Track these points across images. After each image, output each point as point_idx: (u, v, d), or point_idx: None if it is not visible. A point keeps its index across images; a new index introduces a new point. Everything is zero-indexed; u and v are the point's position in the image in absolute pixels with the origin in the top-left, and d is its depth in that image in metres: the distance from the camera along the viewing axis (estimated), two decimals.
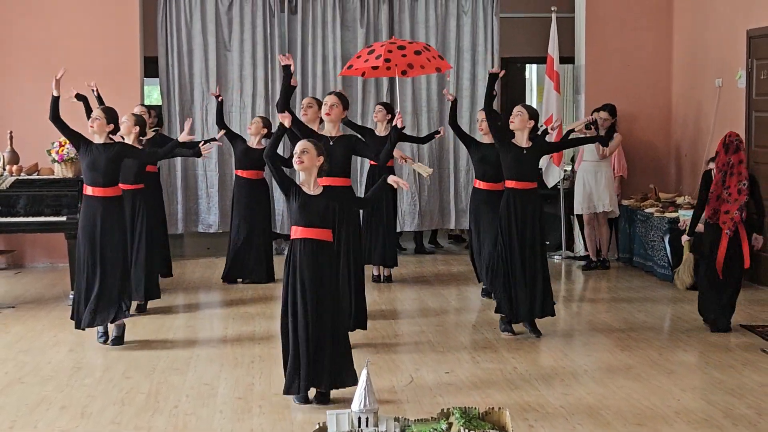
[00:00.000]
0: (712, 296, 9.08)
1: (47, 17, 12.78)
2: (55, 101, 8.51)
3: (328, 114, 8.26)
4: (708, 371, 7.70)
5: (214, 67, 13.31)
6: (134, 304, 9.71)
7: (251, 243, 11.32)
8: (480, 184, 10.18)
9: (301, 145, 6.79)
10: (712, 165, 10.48)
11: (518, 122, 8.66)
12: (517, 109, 8.70)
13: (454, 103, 10.17)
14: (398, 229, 13.18)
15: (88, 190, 8.44)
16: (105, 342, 8.50)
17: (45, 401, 6.97)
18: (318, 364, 6.75)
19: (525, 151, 8.64)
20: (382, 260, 11.37)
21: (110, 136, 8.54)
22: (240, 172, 11.33)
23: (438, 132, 11.34)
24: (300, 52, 13.44)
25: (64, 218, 10.31)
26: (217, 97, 11.25)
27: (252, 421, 6.54)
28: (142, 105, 11.34)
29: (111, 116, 8.55)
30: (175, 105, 13.30)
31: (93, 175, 8.38)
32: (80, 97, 9.94)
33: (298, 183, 6.82)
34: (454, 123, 10.20)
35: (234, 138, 11.32)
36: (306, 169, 6.75)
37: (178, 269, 11.71)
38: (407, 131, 13.24)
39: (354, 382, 6.70)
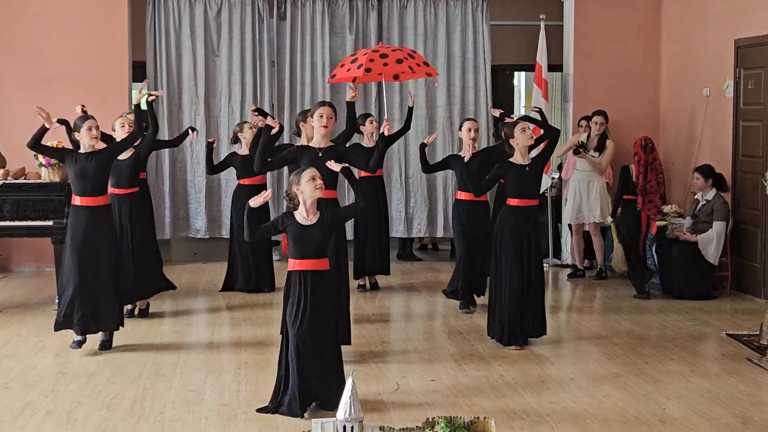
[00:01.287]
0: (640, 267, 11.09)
1: (35, 22, 12.74)
2: (43, 132, 8.34)
3: (325, 126, 8.00)
4: (694, 380, 7.71)
5: (203, 73, 13.29)
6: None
7: (253, 251, 11.17)
8: (462, 195, 10.14)
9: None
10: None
11: (525, 139, 8.61)
12: (524, 125, 8.64)
13: (423, 150, 9.99)
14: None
15: (77, 200, 8.35)
16: (78, 347, 8.43)
17: (30, 407, 6.94)
18: (321, 388, 6.79)
19: (527, 168, 8.63)
20: (379, 270, 11.36)
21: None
22: (243, 181, 11.18)
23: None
24: (288, 58, 13.44)
25: (50, 223, 10.27)
26: (211, 143, 11.07)
27: (238, 427, 6.53)
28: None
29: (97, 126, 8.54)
30: (163, 110, 13.27)
31: (82, 184, 8.30)
32: (62, 121, 9.82)
33: (291, 213, 6.78)
34: (428, 168, 10.14)
35: (226, 164, 11.20)
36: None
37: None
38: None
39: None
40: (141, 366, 8.04)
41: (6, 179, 10.68)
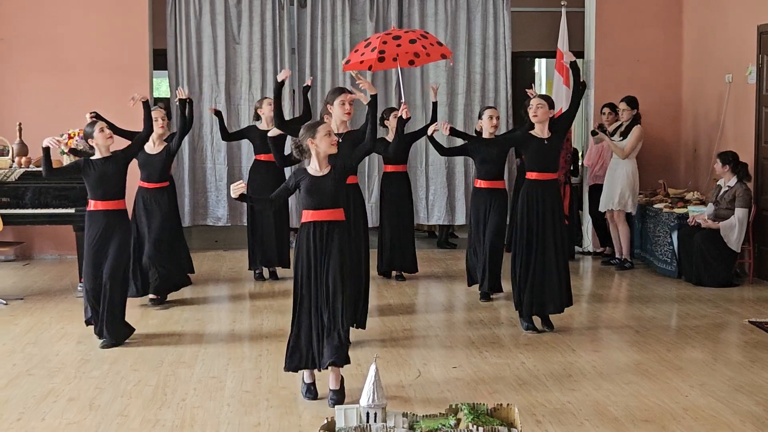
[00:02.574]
0: None
1: (56, 10, 12.78)
2: (47, 153, 8.23)
3: (349, 113, 8.03)
4: (716, 368, 7.68)
5: (223, 60, 13.30)
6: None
7: (274, 228, 11.12)
8: (482, 183, 10.09)
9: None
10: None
11: (542, 114, 8.60)
12: (538, 102, 8.62)
13: (431, 140, 10.04)
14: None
15: (94, 205, 8.31)
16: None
17: (53, 393, 6.97)
18: (318, 343, 6.74)
19: (546, 142, 8.61)
20: (403, 266, 11.32)
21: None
22: (260, 157, 11.12)
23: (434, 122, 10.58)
24: (309, 45, 13.44)
25: (72, 210, 10.31)
26: (215, 112, 11.04)
27: (259, 414, 6.53)
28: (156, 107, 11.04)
29: (109, 125, 8.56)
30: None
31: (101, 190, 8.25)
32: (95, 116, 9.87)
33: (303, 168, 6.74)
34: (443, 152, 10.18)
35: (243, 134, 11.17)
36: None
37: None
38: (415, 126, 13.24)
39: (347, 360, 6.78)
40: (163, 353, 8.07)
41: (28, 167, 10.72)
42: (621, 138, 12.03)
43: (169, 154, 9.74)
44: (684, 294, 10.58)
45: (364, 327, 8.49)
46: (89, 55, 12.75)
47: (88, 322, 8.52)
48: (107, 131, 8.35)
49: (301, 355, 6.78)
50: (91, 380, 7.29)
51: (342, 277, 6.74)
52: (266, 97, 11.44)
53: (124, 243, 8.44)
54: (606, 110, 12.51)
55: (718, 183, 11.25)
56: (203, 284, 11.11)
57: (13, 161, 10.85)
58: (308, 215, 6.74)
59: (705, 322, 9.24)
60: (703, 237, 10.88)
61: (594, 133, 12.11)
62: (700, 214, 11.19)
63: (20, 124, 11.21)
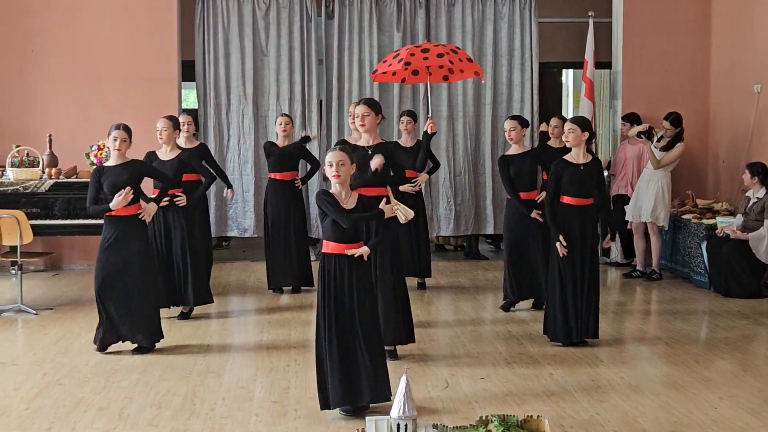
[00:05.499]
0: None
1: (85, 21, 12.87)
2: (106, 211, 8.32)
3: (362, 125, 8.01)
4: (746, 379, 7.64)
5: (251, 72, 13.35)
6: (178, 309, 9.89)
7: (295, 247, 11.11)
8: None
9: (337, 156, 6.52)
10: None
11: (573, 139, 8.52)
12: (569, 127, 8.55)
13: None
14: (432, 234, 13.24)
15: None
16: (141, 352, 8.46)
17: (82, 403, 7.01)
18: (355, 380, 6.62)
19: (582, 167, 8.56)
20: (417, 272, 11.31)
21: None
22: (274, 175, 11.12)
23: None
24: (336, 56, 13.47)
25: (101, 221, 10.34)
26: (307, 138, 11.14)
27: (288, 424, 6.55)
28: (186, 113, 10.92)
29: (130, 134, 8.39)
30: (210, 109, 13.36)
31: (114, 196, 8.23)
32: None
33: (331, 192, 6.66)
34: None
35: (267, 155, 11.15)
36: (343, 182, 6.57)
37: (213, 272, 11.73)
38: (442, 137, 13.26)
39: (388, 397, 6.62)
40: (191, 363, 8.10)
41: (58, 178, 10.80)
42: (660, 150, 11.93)
43: (182, 163, 9.56)
44: (713, 305, 10.53)
45: (413, 340, 8.41)
46: (118, 67, 12.83)
47: (96, 341, 8.48)
48: (118, 144, 8.25)
49: (336, 393, 6.61)
50: (121, 390, 7.33)
51: (375, 314, 6.75)
52: (283, 114, 11.41)
53: (146, 248, 8.47)
54: (626, 123, 12.47)
55: (746, 194, 11.20)
56: (231, 295, 11.14)
57: (43, 172, 10.94)
58: (329, 247, 6.65)
59: (734, 334, 9.20)
60: (732, 248, 10.84)
61: (639, 135, 11.99)
62: (728, 225, 11.14)
63: (50, 135, 11.30)
